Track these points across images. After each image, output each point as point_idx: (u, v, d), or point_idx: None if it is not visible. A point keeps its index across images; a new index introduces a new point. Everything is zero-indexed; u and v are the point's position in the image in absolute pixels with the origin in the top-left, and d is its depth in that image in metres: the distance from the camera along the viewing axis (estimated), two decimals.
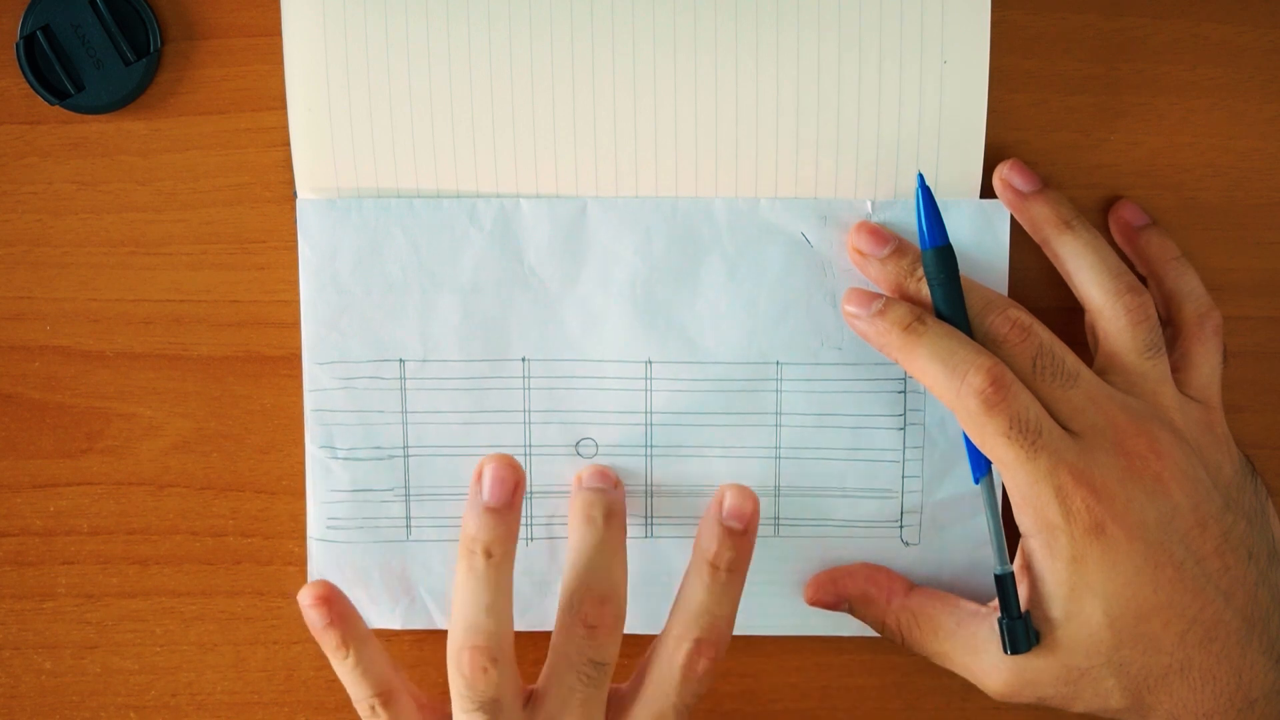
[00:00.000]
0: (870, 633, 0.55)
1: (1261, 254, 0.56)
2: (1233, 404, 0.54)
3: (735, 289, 0.54)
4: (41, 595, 0.56)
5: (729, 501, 0.52)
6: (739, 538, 0.51)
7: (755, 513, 0.52)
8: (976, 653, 0.52)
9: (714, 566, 0.51)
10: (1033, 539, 0.50)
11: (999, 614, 0.51)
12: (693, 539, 0.53)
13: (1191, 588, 0.49)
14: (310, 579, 0.55)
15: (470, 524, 0.51)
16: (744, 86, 0.53)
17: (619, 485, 0.54)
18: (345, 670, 0.52)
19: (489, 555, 0.50)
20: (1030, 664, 0.51)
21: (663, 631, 0.52)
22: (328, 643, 0.52)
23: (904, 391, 0.55)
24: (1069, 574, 0.50)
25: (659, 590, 0.55)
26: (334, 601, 0.52)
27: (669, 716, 0.51)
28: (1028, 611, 0.51)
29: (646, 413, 0.55)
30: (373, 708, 0.52)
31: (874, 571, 0.55)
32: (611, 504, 0.52)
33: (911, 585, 0.54)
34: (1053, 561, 0.50)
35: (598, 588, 0.51)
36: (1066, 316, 0.55)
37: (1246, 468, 0.53)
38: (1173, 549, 0.49)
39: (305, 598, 0.52)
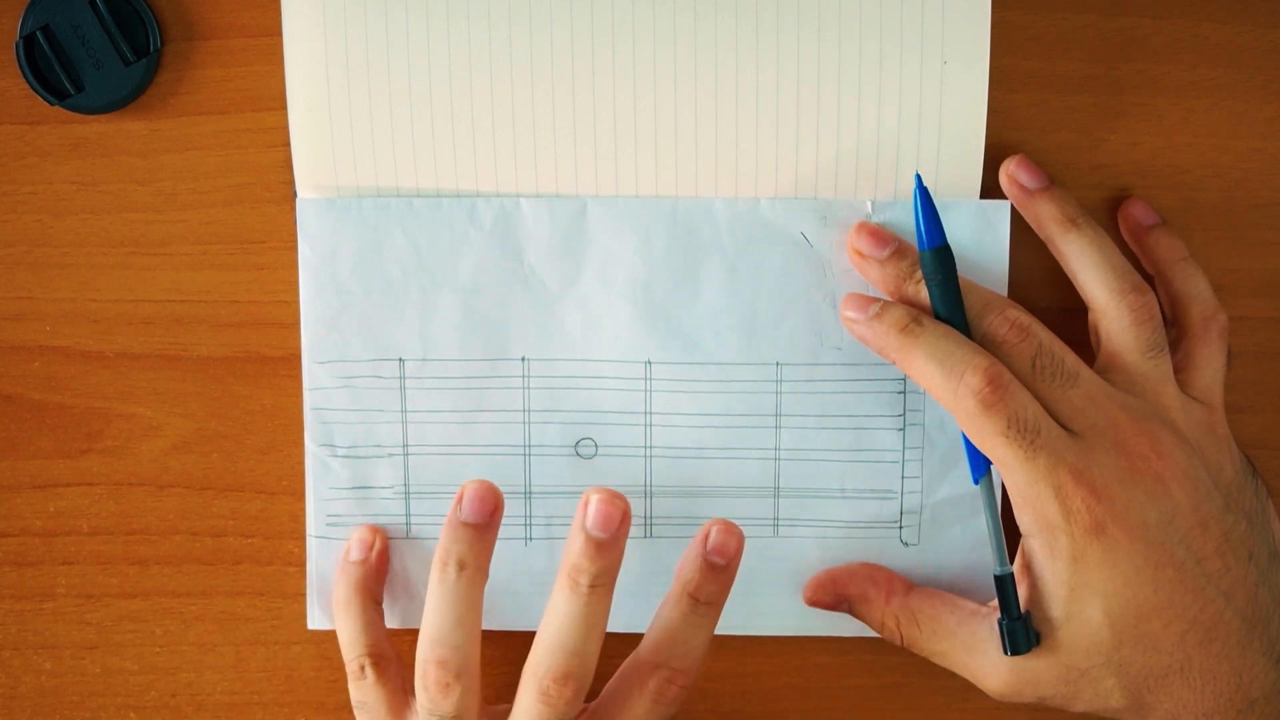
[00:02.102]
0: (870, 633, 0.55)
1: (1262, 254, 0.56)
2: (1233, 404, 0.54)
3: (735, 289, 0.54)
4: (41, 595, 0.56)
5: (714, 538, 0.51)
6: (720, 572, 0.51)
7: (739, 551, 0.51)
8: (976, 653, 0.52)
9: (693, 598, 0.51)
10: (1033, 539, 0.50)
11: (999, 614, 0.51)
12: (692, 540, 0.53)
13: (1192, 588, 0.49)
14: (309, 577, 0.55)
15: (445, 538, 0.51)
16: (744, 86, 0.53)
17: (625, 520, 0.50)
18: (345, 621, 0.54)
19: (461, 567, 0.51)
20: (1030, 664, 0.51)
21: (634, 656, 0.52)
22: (351, 576, 0.54)
23: (904, 392, 0.55)
24: (1069, 574, 0.49)
25: (657, 590, 0.55)
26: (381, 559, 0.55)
27: None
28: (1028, 612, 0.51)
29: (646, 413, 0.55)
30: (362, 667, 0.53)
31: (873, 571, 0.55)
32: (601, 571, 0.50)
33: (911, 585, 0.54)
34: (1053, 561, 0.50)
35: (563, 664, 0.50)
36: (1067, 317, 0.55)
37: (1247, 468, 0.53)
38: (1173, 549, 0.49)
39: (358, 535, 0.55)
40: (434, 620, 0.51)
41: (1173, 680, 0.50)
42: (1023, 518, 0.50)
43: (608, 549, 0.49)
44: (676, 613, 0.51)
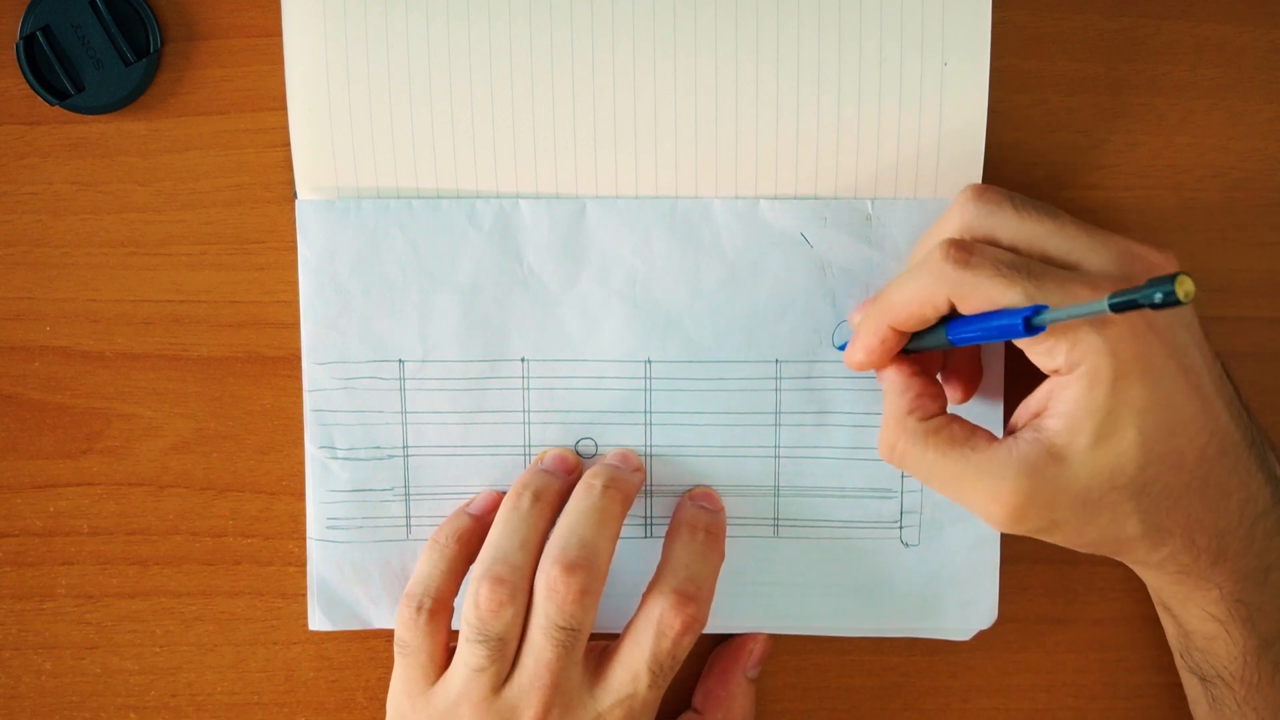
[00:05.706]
0: (870, 633, 0.55)
1: (1262, 254, 0.56)
2: None
3: (735, 289, 0.54)
4: (41, 596, 0.56)
5: (697, 492, 0.55)
6: (713, 514, 0.54)
7: (721, 505, 0.55)
8: (991, 476, 0.49)
9: (693, 528, 0.53)
10: (1069, 373, 0.47)
11: (1021, 436, 0.48)
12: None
13: (1206, 398, 0.48)
14: (309, 579, 0.55)
15: (521, 480, 0.53)
16: (744, 86, 0.53)
17: (639, 471, 0.54)
18: (434, 556, 0.53)
19: (536, 499, 0.52)
20: (1048, 484, 0.48)
21: (644, 593, 0.52)
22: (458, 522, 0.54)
23: None
24: (1108, 397, 0.47)
25: None
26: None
27: (642, 675, 0.51)
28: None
29: (646, 412, 0.55)
30: (421, 606, 0.52)
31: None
32: (615, 477, 0.53)
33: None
34: (1092, 390, 0.47)
35: (570, 554, 0.50)
36: None
37: None
38: (1193, 359, 0.48)
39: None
40: (499, 541, 0.52)
41: (1191, 499, 0.48)
42: (1057, 355, 0.47)
43: (627, 459, 0.54)
44: (679, 543, 0.53)
